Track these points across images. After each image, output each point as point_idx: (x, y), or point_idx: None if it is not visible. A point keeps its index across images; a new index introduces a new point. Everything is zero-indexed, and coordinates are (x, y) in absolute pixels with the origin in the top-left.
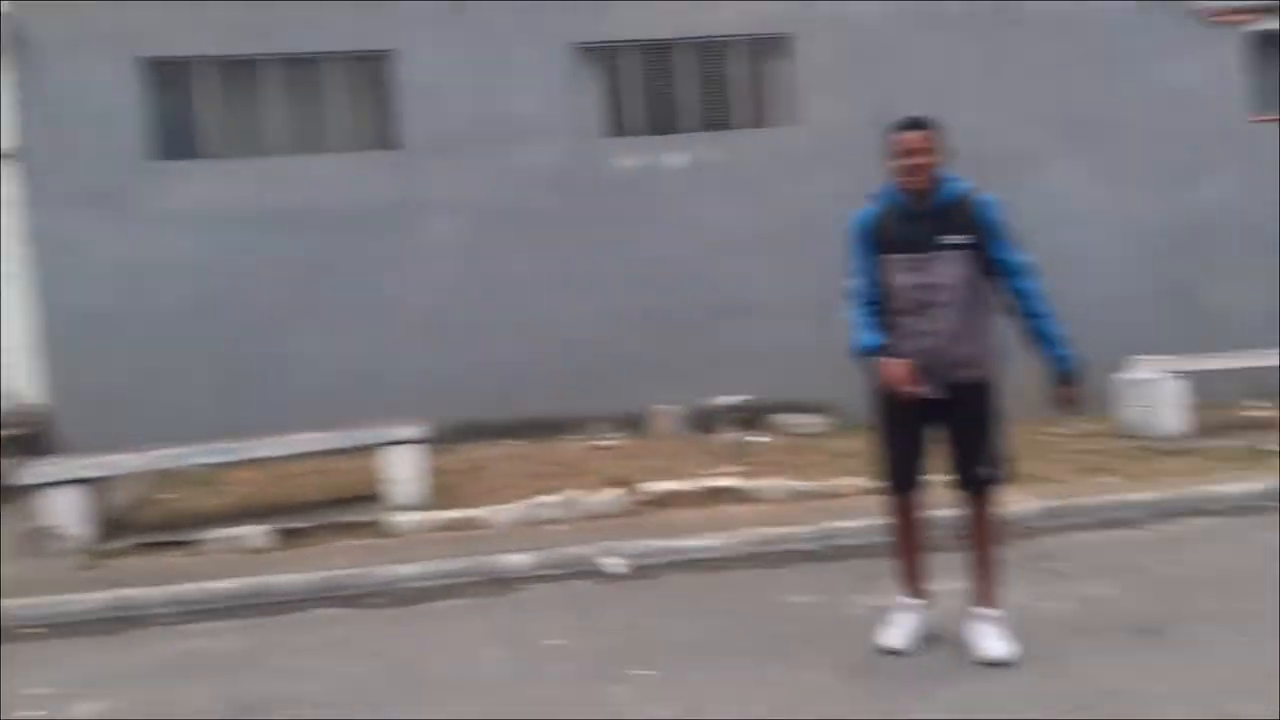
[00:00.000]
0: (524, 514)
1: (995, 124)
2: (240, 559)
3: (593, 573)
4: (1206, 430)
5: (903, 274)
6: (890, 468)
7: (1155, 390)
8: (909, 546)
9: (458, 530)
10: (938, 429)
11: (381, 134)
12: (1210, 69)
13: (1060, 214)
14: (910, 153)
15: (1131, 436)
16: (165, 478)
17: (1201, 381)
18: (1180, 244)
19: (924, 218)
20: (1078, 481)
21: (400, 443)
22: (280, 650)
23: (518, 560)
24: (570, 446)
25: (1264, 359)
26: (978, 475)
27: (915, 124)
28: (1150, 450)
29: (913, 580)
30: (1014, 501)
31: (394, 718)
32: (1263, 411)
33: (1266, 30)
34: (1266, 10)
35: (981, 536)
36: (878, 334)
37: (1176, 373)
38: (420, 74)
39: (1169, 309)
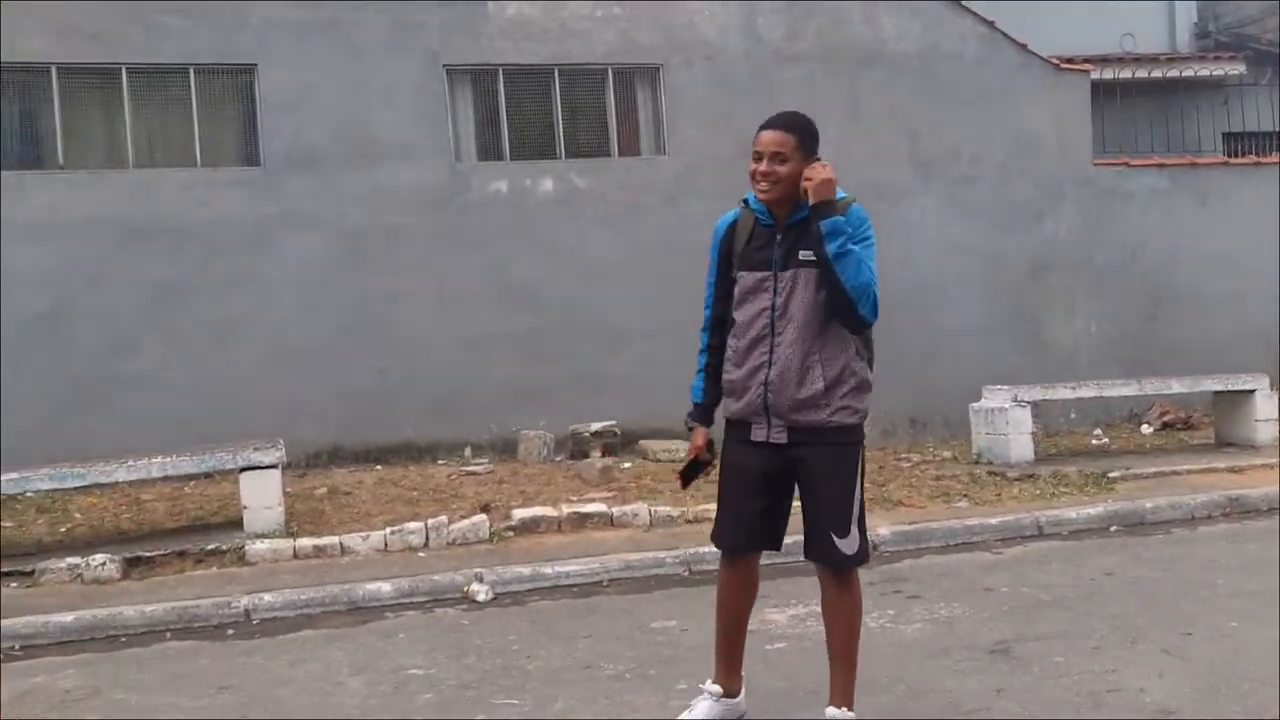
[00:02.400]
0: (387, 541)
1: (855, 159)
2: (85, 590)
3: (459, 600)
4: (1052, 457)
5: (748, 295)
6: (717, 526)
7: (1004, 418)
8: (725, 623)
9: (317, 558)
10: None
11: (242, 149)
12: (1058, 113)
13: (917, 248)
14: (760, 156)
15: (982, 463)
16: (5, 504)
17: (1048, 410)
18: (1028, 279)
19: (781, 232)
20: (931, 506)
21: (257, 467)
22: (124, 686)
23: (380, 588)
24: (438, 472)
25: (1105, 389)
26: (824, 546)
27: (772, 122)
28: (999, 476)
29: (722, 666)
30: (871, 526)
31: None
32: (1104, 439)
33: (1111, 78)
34: (1112, 60)
35: (833, 620)
36: (701, 384)
37: (1024, 401)
38: (283, 89)
39: (1019, 341)
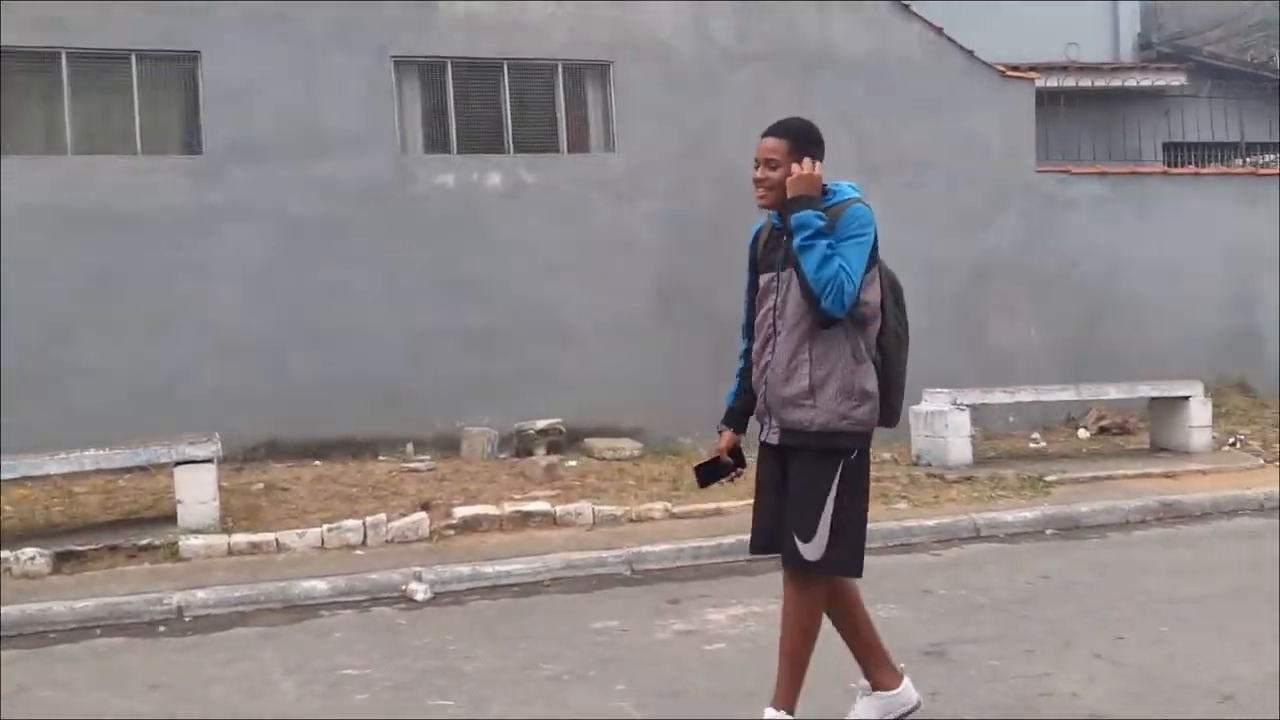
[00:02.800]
0: (325, 538)
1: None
2: (13, 584)
3: (397, 599)
4: (990, 460)
5: (761, 297)
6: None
7: (943, 421)
8: (782, 633)
9: (253, 555)
10: None
11: (184, 137)
12: (1003, 120)
13: None
14: (757, 163)
15: (921, 465)
16: None
17: (987, 413)
18: (971, 283)
19: (786, 234)
20: (871, 508)
21: (192, 462)
22: (53, 684)
23: (316, 586)
24: (378, 468)
25: (1044, 394)
26: (790, 546)
27: (769, 129)
28: (938, 478)
29: (780, 684)
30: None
31: None
32: (1042, 443)
33: (1055, 87)
34: (1057, 69)
35: (787, 620)
36: (735, 388)
37: (963, 405)
38: (228, 78)
39: (961, 345)
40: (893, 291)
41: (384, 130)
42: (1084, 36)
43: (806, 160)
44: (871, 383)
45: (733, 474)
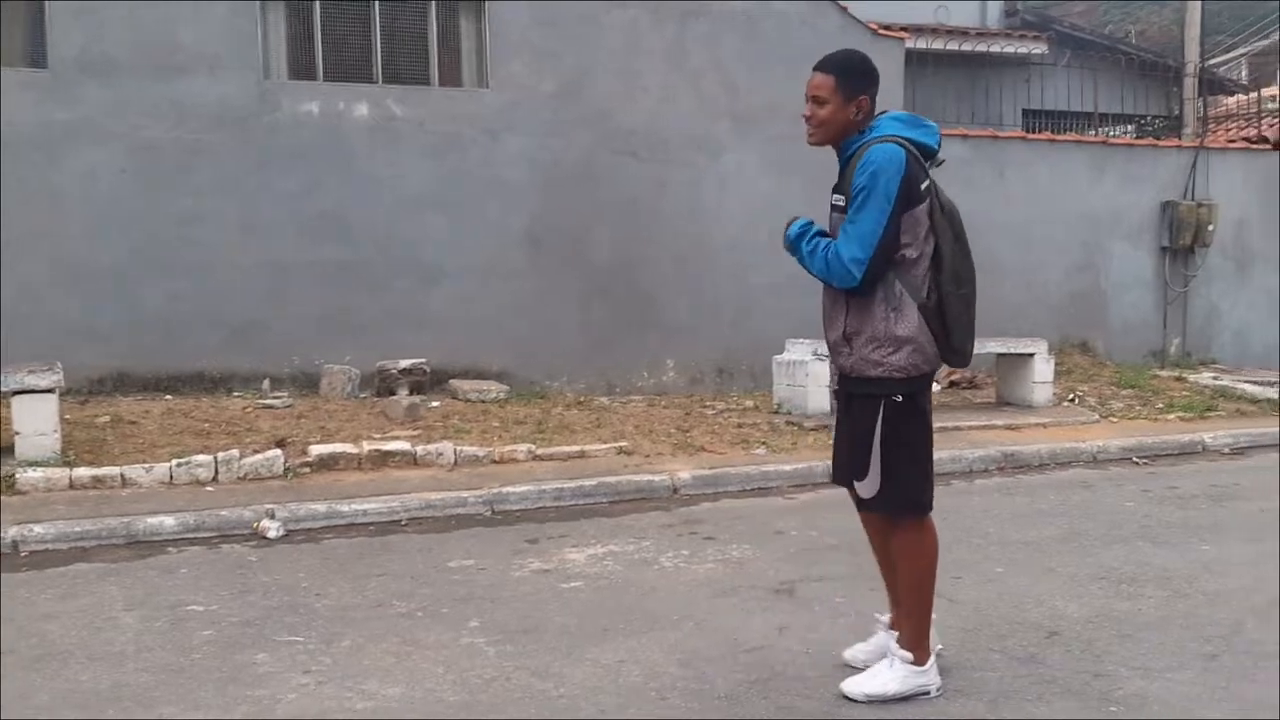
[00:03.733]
0: (173, 474)
1: (678, 110)
2: None
3: (248, 536)
4: None
5: None
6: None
7: (803, 371)
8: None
9: (96, 489)
10: None
11: (28, 49)
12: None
13: (734, 202)
14: (807, 99)
15: (782, 413)
16: None
17: None
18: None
19: (839, 175)
20: (731, 452)
21: (32, 391)
22: None
23: (163, 523)
24: (232, 404)
25: None
26: (855, 490)
27: (818, 64)
28: (796, 426)
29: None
30: (672, 470)
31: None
32: None
33: (924, 48)
34: (926, 31)
35: (890, 559)
36: None
37: (823, 355)
38: None
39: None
40: (951, 227)
41: (246, 53)
42: (953, 1)
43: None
44: (906, 328)
45: None
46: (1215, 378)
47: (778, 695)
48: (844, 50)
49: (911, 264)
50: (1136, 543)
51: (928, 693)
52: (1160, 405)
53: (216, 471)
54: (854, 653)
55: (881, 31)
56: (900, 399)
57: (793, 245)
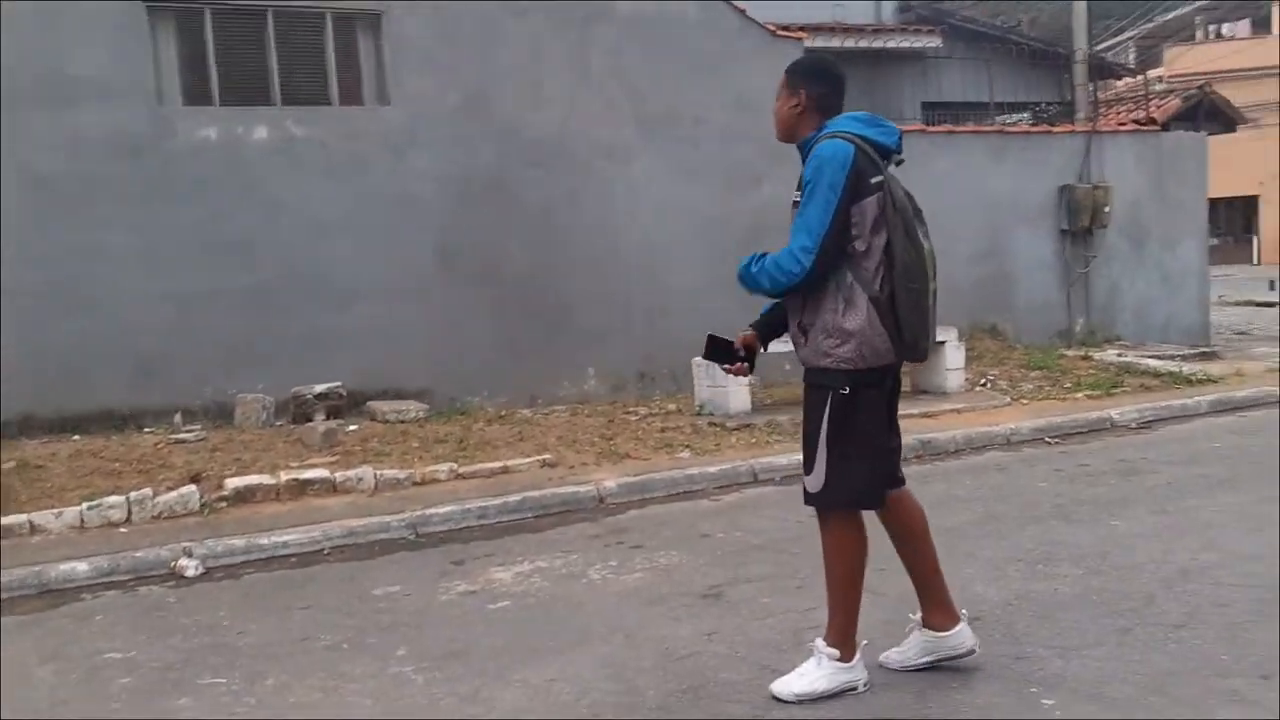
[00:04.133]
0: (84, 517)
1: (583, 117)
2: None
3: (166, 577)
4: (768, 407)
5: None
6: None
7: (723, 371)
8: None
9: (4, 539)
10: None
11: None
12: (775, 78)
13: (644, 207)
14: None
15: (704, 414)
16: None
17: (765, 363)
18: (747, 238)
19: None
20: (656, 458)
21: None
22: None
23: (75, 569)
24: (143, 441)
25: None
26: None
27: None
28: (719, 427)
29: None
30: (598, 479)
31: None
32: None
33: (823, 47)
34: (824, 30)
35: (909, 551)
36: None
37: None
38: None
39: (740, 298)
40: (903, 223)
41: (138, 80)
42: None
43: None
44: (854, 321)
45: (736, 367)
46: (1119, 354)
47: (709, 702)
48: (809, 55)
49: (862, 257)
50: (1050, 522)
51: (855, 689)
52: (1068, 385)
53: (130, 512)
54: (887, 656)
55: (780, 32)
56: (846, 390)
57: (744, 275)
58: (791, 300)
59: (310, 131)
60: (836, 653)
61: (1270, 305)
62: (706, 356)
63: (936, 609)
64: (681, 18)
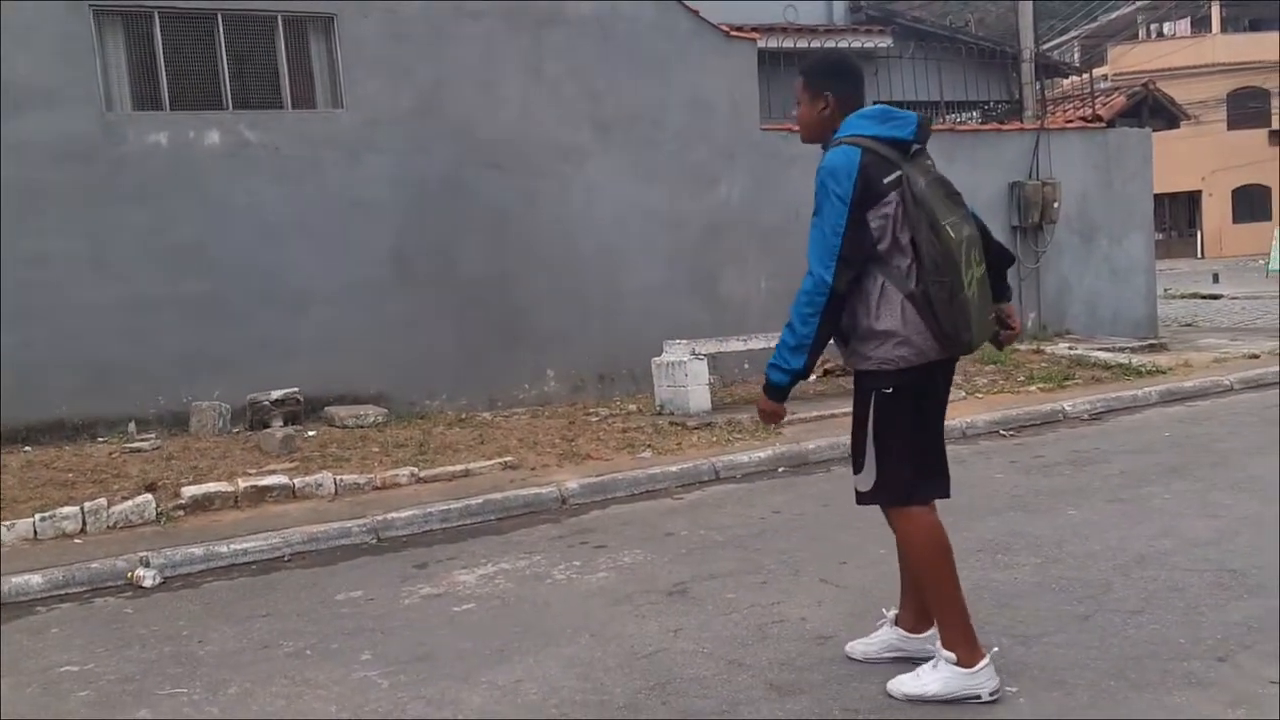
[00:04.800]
0: (37, 529)
1: (539, 120)
2: None
3: (123, 588)
4: (728, 406)
5: None
6: None
7: (683, 371)
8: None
9: None
10: None
11: None
12: (729, 79)
13: (601, 209)
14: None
15: (665, 414)
16: None
17: (724, 362)
18: (704, 238)
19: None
20: (617, 458)
21: None
22: None
23: (29, 581)
24: (97, 451)
25: (774, 341)
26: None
27: (799, 68)
28: (680, 426)
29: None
30: (560, 481)
31: None
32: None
33: (775, 48)
34: (777, 30)
35: (900, 554)
36: None
37: (700, 355)
38: None
39: (698, 297)
40: (925, 214)
41: (85, 86)
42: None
43: (761, 399)
44: (888, 321)
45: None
46: (1071, 347)
47: (676, 698)
48: (820, 51)
49: (890, 255)
50: (1008, 513)
51: (978, 696)
52: (1022, 378)
53: (84, 523)
54: (852, 646)
55: (733, 33)
56: (890, 390)
57: (791, 335)
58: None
59: (263, 135)
60: (953, 656)
61: (1214, 298)
62: None
63: (914, 613)
64: (635, 19)
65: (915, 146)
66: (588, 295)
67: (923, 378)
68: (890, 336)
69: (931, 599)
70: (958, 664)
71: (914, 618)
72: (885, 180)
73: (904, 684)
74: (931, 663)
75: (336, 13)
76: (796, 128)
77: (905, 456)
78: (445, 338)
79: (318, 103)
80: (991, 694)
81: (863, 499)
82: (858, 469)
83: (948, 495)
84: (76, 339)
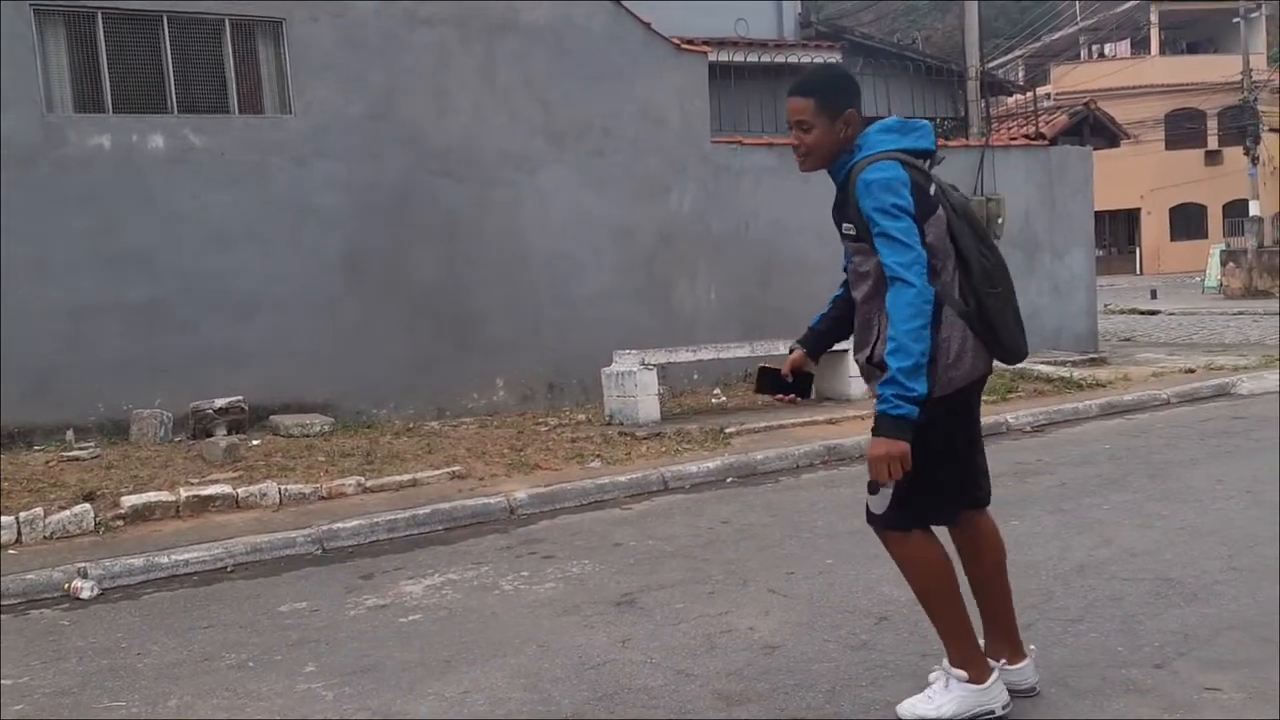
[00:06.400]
0: None
1: (491, 128)
2: None
3: (59, 599)
4: (677, 416)
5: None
6: None
7: (633, 381)
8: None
9: None
10: None
11: None
12: (680, 91)
13: (553, 217)
14: (790, 126)
15: (614, 424)
16: None
17: (673, 372)
18: (655, 248)
19: (842, 197)
20: (567, 468)
21: None
22: None
23: None
24: (33, 459)
25: (723, 351)
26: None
27: (792, 87)
28: (629, 436)
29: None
30: (508, 490)
31: None
32: (723, 398)
33: (726, 61)
34: (728, 44)
35: (978, 577)
36: (826, 309)
37: (650, 365)
38: None
39: (648, 307)
40: (970, 227)
41: (25, 87)
42: (750, 14)
43: (878, 442)
44: (951, 342)
45: (790, 397)
46: None
47: (624, 709)
48: (817, 67)
49: (940, 270)
50: None
51: (993, 712)
52: None
53: (20, 533)
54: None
55: (685, 46)
56: (929, 419)
57: (899, 351)
58: (863, 332)
59: (209, 140)
60: (964, 673)
61: (1152, 313)
62: (759, 390)
63: (1003, 642)
64: (587, 30)
65: (938, 157)
66: (538, 304)
67: (957, 403)
68: (944, 357)
69: (937, 618)
70: (970, 681)
71: (1009, 649)
72: (930, 193)
73: (916, 706)
74: (942, 683)
75: (285, 17)
76: (749, 141)
77: (937, 483)
78: (394, 346)
79: (266, 108)
80: (1004, 707)
81: (873, 520)
82: (872, 490)
83: (985, 504)
84: (14, 344)
